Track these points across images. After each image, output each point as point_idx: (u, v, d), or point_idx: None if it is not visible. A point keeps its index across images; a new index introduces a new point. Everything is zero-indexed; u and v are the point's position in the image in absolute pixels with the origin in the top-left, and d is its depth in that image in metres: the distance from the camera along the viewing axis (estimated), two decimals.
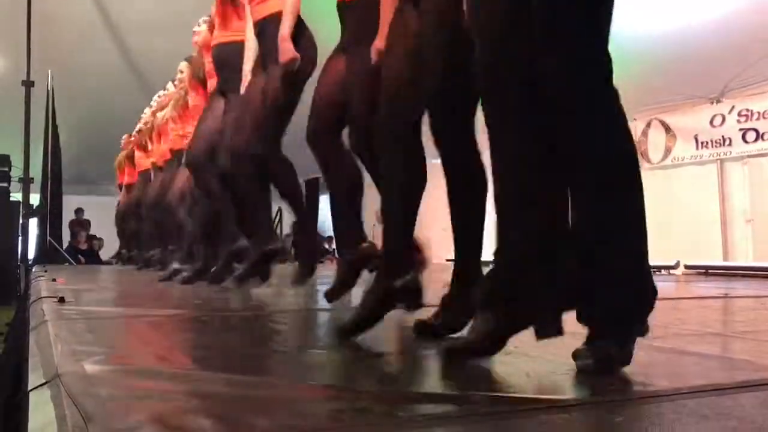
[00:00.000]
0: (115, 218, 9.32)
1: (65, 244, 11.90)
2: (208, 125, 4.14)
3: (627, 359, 1.38)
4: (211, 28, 4.43)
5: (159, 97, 6.99)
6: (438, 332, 1.81)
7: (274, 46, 3.15)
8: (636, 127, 7.77)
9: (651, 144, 7.65)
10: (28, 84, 8.66)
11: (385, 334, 2.01)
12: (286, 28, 3.10)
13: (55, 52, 9.62)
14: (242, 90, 3.56)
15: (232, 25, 4.02)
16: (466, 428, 1.02)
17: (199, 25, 4.94)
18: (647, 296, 1.43)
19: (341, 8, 2.81)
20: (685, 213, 7.14)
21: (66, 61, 9.94)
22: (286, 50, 3.10)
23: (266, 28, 3.34)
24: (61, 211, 11.29)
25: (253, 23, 3.50)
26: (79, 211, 13.86)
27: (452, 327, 1.81)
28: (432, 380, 1.45)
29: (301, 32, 3.19)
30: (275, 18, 3.24)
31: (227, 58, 3.94)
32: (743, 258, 6.73)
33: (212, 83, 4.82)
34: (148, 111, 7.84)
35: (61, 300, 2.95)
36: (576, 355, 1.37)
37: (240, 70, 3.66)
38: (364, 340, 1.85)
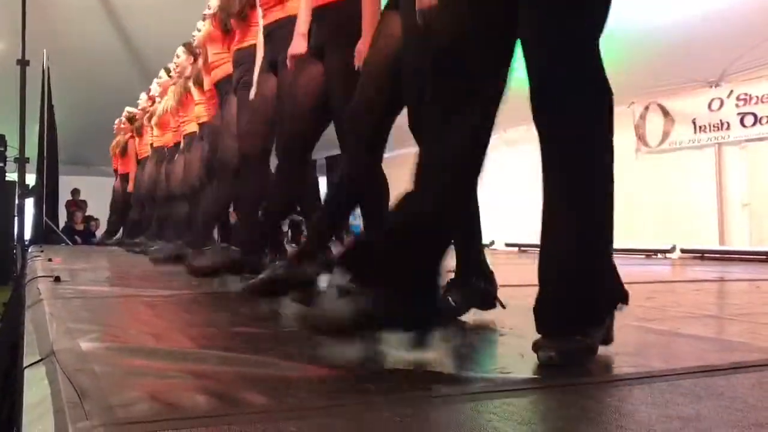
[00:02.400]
0: (111, 205, 9.33)
1: (61, 225, 11.88)
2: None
3: (592, 350, 1.33)
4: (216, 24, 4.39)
5: (157, 84, 6.94)
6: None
7: (285, 49, 3.10)
8: (634, 111, 7.75)
9: (649, 128, 7.63)
10: (24, 63, 8.61)
11: None
12: (302, 24, 3.06)
13: (50, 32, 9.56)
14: (252, 95, 3.55)
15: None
16: (461, 407, 1.02)
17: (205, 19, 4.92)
18: (607, 292, 1.41)
19: (320, 9, 2.76)
20: (682, 197, 7.13)
21: (62, 41, 9.87)
22: (300, 45, 3.04)
23: (276, 32, 3.32)
24: (58, 192, 11.25)
25: (263, 27, 3.48)
26: (75, 191, 13.83)
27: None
28: (428, 361, 1.45)
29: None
30: (285, 22, 3.22)
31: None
32: (739, 243, 6.74)
33: (208, 80, 4.83)
34: (144, 96, 7.80)
35: (57, 279, 2.95)
36: (537, 346, 1.31)
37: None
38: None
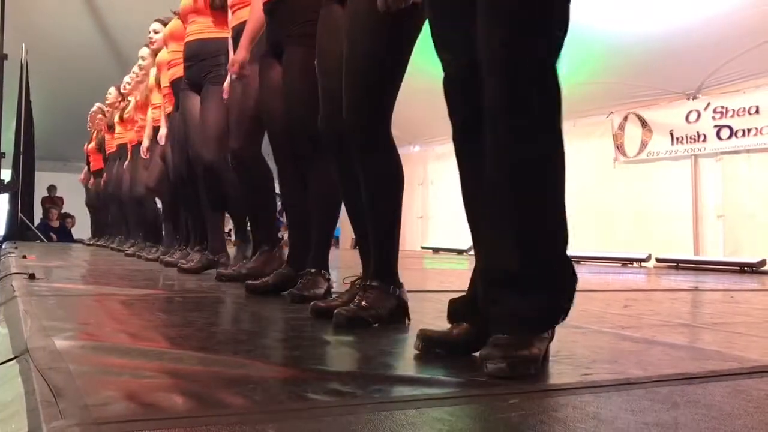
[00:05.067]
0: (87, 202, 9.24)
1: (37, 221, 11.74)
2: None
3: (536, 358, 1.29)
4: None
5: (130, 80, 6.87)
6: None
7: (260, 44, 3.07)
8: (613, 121, 7.83)
9: (627, 138, 7.70)
10: (1, 57, 8.48)
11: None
12: (247, 37, 3.03)
13: (29, 27, 9.44)
14: (225, 95, 3.54)
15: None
16: (436, 411, 1.02)
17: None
18: (556, 300, 1.37)
19: (271, 4, 2.71)
20: (658, 207, 7.21)
21: (41, 35, 9.76)
22: (237, 60, 3.02)
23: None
24: (33, 188, 11.13)
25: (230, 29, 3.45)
26: (51, 188, 13.67)
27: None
28: (405, 364, 1.45)
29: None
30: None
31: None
32: (714, 253, 6.83)
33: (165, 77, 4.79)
34: (113, 91, 7.73)
35: (32, 276, 2.91)
36: (484, 357, 1.26)
37: None
38: (339, 325, 1.84)
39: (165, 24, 5.18)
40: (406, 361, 1.47)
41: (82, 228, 11.72)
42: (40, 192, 12.59)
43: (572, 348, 1.62)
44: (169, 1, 4.94)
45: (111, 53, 10.40)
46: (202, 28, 3.93)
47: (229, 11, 3.48)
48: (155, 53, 5.52)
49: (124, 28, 9.53)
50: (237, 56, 3.05)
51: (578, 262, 7.47)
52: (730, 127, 6.77)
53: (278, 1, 2.66)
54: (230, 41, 3.48)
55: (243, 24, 3.14)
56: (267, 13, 2.76)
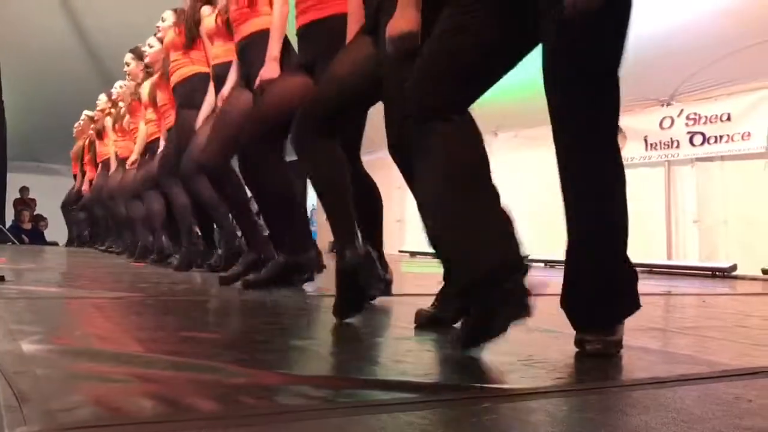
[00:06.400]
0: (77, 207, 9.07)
1: (9, 223, 11.56)
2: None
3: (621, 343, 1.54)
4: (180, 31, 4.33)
5: (120, 87, 6.80)
6: (438, 321, 1.90)
7: (260, 64, 3.06)
8: None
9: None
10: None
11: (332, 321, 2.00)
12: (275, 48, 3.02)
13: (3, 28, 9.31)
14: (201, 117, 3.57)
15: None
16: (408, 415, 1.02)
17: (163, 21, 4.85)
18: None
19: (304, 28, 2.74)
20: (632, 212, 7.23)
21: (15, 36, 9.63)
22: (273, 70, 3.01)
23: (249, 48, 3.29)
24: (5, 189, 10.96)
25: (235, 43, 3.44)
26: (24, 189, 13.46)
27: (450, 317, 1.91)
28: (377, 368, 1.45)
29: (287, 51, 3.12)
30: (258, 36, 3.19)
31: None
32: (687, 258, 6.90)
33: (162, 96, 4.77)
34: (104, 98, 7.64)
35: (1, 279, 2.87)
36: (581, 341, 1.53)
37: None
38: (312, 328, 1.83)
39: (140, 57, 5.20)
40: (379, 365, 1.46)
41: (54, 230, 11.57)
42: (12, 193, 12.41)
43: (546, 352, 1.62)
44: (145, 2, 4.91)
45: (87, 55, 10.29)
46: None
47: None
48: (140, 56, 5.49)
49: (101, 29, 9.44)
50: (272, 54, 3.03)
51: (554, 266, 7.53)
52: (703, 134, 6.85)
53: (309, 25, 2.70)
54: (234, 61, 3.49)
55: (250, 36, 3.22)
56: (300, 36, 2.78)
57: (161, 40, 5.15)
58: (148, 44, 5.62)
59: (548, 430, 0.94)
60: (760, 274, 6.02)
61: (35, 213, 13.04)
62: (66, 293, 2.75)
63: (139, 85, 5.70)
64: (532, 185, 8.20)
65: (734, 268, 6.28)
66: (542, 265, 7.70)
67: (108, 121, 7.20)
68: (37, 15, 9.52)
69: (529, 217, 8.32)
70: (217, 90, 3.69)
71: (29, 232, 12.23)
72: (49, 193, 11.23)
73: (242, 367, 1.31)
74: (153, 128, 5.35)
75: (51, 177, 12.44)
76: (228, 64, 3.62)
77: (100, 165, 7.61)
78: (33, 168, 13.71)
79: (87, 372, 1.22)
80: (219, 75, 3.72)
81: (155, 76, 5.10)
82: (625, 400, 1.14)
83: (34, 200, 13.35)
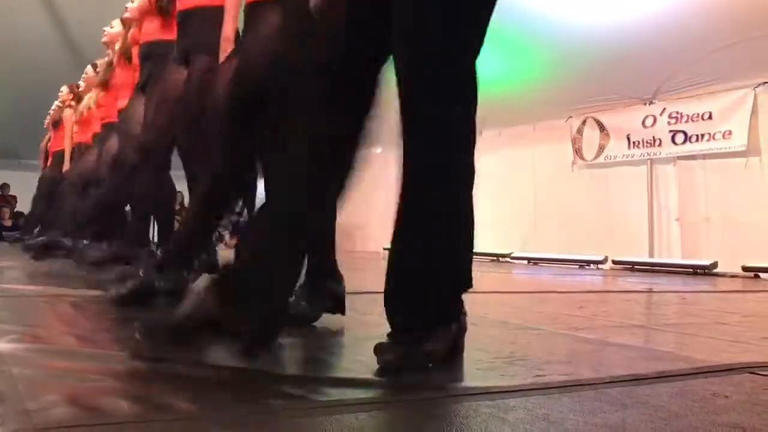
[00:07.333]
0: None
1: None
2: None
3: (432, 357, 1.32)
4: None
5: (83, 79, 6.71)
6: None
7: (201, 39, 3.01)
8: (572, 125, 7.93)
9: (585, 142, 7.81)
10: None
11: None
12: (229, 27, 2.96)
13: None
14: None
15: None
16: (389, 414, 1.02)
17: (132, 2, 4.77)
18: (449, 292, 1.40)
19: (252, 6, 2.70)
20: (615, 210, 7.33)
21: None
22: (227, 51, 2.95)
23: (191, 20, 3.14)
24: None
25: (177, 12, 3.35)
26: (4, 186, 13.32)
27: None
28: (358, 367, 1.44)
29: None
30: (202, 11, 3.12)
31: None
32: (670, 256, 6.96)
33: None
34: (65, 89, 7.56)
35: None
36: (378, 349, 1.30)
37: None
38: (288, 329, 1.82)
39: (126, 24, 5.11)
40: (359, 364, 1.46)
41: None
42: None
43: (526, 349, 1.63)
44: None
45: (66, 48, 10.17)
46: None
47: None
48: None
49: (79, 22, 9.33)
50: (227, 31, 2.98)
51: (537, 264, 7.57)
52: (684, 132, 6.91)
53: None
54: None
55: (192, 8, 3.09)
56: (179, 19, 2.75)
57: (110, 45, 5.13)
58: (111, 25, 5.54)
59: (527, 428, 0.95)
60: (740, 271, 6.08)
61: (15, 210, 12.90)
62: (45, 291, 2.72)
63: (117, 52, 5.59)
64: (516, 183, 8.25)
65: (715, 265, 6.34)
66: (525, 262, 7.75)
67: (68, 113, 7.09)
68: (15, 11, 9.41)
69: (512, 215, 8.38)
70: (147, 67, 3.66)
71: (10, 230, 12.10)
72: (30, 189, 11.09)
73: (220, 366, 1.30)
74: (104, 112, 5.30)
75: (32, 173, 12.29)
76: (160, 43, 3.57)
77: (51, 156, 7.50)
78: (13, 165, 13.55)
79: (64, 371, 1.21)
80: (149, 53, 3.70)
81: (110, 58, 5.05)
82: (604, 398, 1.14)
83: (14, 197, 13.21)
